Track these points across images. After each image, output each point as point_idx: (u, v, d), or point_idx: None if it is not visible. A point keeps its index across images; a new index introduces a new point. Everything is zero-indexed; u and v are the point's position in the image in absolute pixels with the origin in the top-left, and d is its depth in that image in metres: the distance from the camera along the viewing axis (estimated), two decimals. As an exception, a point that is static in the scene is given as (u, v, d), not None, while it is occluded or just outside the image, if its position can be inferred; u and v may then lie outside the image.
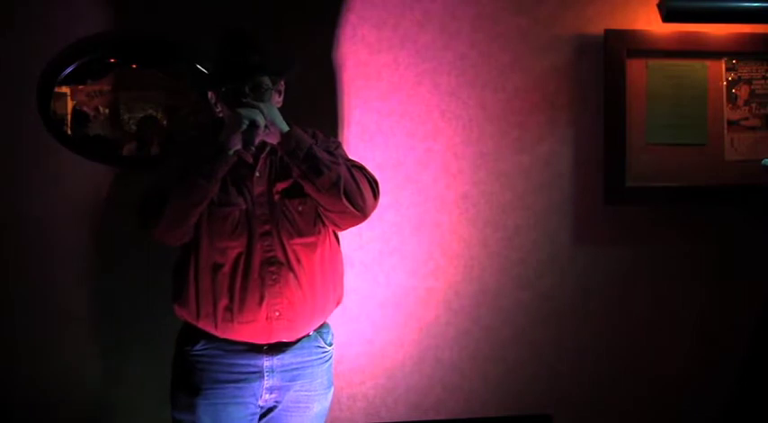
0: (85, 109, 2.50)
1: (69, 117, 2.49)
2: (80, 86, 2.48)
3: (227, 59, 1.98)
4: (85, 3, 2.47)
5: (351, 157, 2.19)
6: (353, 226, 2.08)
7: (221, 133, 1.92)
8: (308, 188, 1.97)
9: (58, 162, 2.49)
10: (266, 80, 1.98)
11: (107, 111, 2.51)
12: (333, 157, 1.98)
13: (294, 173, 1.97)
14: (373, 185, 2.04)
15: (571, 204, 2.73)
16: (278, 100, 2.04)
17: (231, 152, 1.92)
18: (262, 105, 1.91)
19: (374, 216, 2.52)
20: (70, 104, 2.49)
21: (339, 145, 2.15)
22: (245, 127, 1.87)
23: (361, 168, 2.05)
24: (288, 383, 2.06)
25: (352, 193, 1.96)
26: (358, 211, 1.99)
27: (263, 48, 2.00)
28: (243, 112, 1.88)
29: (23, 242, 2.52)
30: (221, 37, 2.01)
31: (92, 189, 2.52)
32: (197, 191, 1.90)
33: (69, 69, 2.44)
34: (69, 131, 2.49)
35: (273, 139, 1.95)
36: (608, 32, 2.65)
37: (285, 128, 1.94)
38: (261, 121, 1.89)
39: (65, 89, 2.47)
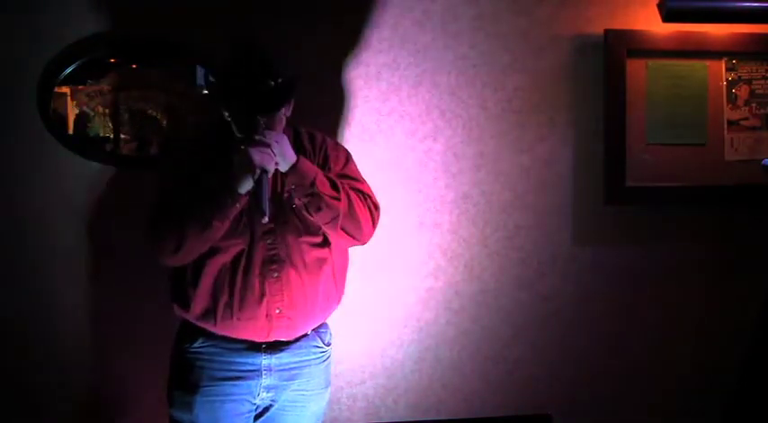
0: (85, 109, 2.50)
1: (69, 117, 2.49)
2: (80, 86, 2.48)
3: (243, 84, 1.92)
4: (85, 3, 2.46)
5: (353, 159, 2.21)
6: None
7: (232, 164, 1.89)
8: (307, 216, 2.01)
9: (58, 162, 2.49)
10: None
11: (107, 111, 2.51)
12: (335, 190, 1.99)
13: (295, 201, 1.99)
14: (373, 215, 2.08)
15: (571, 204, 2.73)
16: (286, 113, 2.03)
17: (242, 193, 1.91)
18: (273, 143, 1.89)
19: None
20: (70, 104, 2.49)
21: (349, 158, 2.16)
22: (257, 176, 1.87)
23: (365, 196, 2.06)
24: (285, 383, 2.07)
25: (349, 228, 2.01)
26: (354, 240, 2.06)
27: (278, 68, 1.94)
28: (255, 158, 1.85)
29: (23, 242, 2.52)
30: (235, 51, 1.97)
31: (92, 189, 2.52)
32: (212, 231, 1.92)
33: (69, 69, 2.44)
34: (69, 131, 2.49)
35: (282, 168, 1.95)
36: (608, 32, 2.65)
37: (293, 160, 1.94)
38: (271, 168, 1.89)
39: (65, 89, 2.47)
